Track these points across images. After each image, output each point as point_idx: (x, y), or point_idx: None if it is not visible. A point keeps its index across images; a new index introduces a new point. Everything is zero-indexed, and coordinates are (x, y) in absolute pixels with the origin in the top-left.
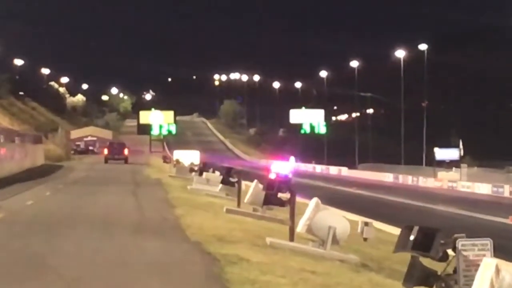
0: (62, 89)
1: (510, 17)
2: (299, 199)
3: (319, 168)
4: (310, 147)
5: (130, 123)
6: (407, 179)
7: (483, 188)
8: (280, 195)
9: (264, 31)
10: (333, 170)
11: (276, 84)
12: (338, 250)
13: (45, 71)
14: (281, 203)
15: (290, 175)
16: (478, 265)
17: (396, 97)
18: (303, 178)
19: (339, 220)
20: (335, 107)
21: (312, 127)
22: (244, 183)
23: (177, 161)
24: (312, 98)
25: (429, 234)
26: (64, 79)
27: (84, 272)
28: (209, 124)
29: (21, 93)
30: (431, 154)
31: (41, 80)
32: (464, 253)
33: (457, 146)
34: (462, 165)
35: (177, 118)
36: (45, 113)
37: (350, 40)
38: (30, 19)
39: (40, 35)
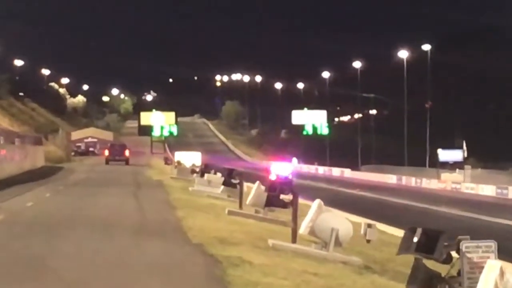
0: (62, 90)
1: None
2: (301, 200)
3: (321, 170)
4: (312, 148)
5: (131, 124)
6: (411, 180)
7: (487, 190)
8: (282, 196)
9: (265, 31)
10: (336, 171)
11: (278, 85)
12: (340, 252)
13: (45, 71)
14: (283, 205)
15: (290, 176)
16: (482, 267)
17: (399, 98)
18: (306, 179)
19: (342, 222)
20: (338, 108)
21: (314, 128)
22: (246, 184)
23: (179, 162)
24: (314, 99)
25: (432, 236)
26: (65, 80)
27: (84, 273)
28: (210, 125)
29: (21, 94)
30: (434, 156)
31: (41, 81)
32: (468, 255)
33: (460, 147)
34: (465, 166)
35: (179, 119)
36: (45, 114)
37: (351, 40)
38: (30, 19)
39: (40, 35)
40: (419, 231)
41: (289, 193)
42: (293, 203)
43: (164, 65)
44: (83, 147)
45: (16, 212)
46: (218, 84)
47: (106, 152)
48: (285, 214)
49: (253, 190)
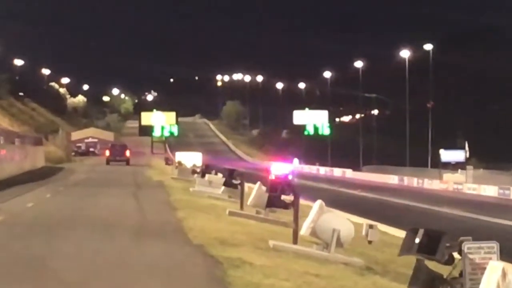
0: (62, 90)
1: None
2: (302, 201)
3: (323, 170)
4: (313, 148)
5: (132, 124)
6: (412, 181)
7: (489, 190)
8: (283, 197)
9: (266, 31)
10: (337, 172)
11: (279, 85)
12: (342, 253)
13: (46, 71)
14: (285, 206)
15: (290, 177)
16: (484, 268)
17: (400, 98)
18: (307, 180)
19: (343, 222)
20: (340, 108)
21: (315, 129)
22: (247, 185)
23: (179, 162)
24: (316, 99)
25: (434, 237)
26: (65, 80)
27: (85, 274)
28: (211, 126)
29: (21, 93)
30: (436, 156)
31: (41, 81)
32: (470, 256)
33: (463, 147)
34: (468, 167)
35: (179, 119)
36: (45, 114)
37: (352, 40)
38: (30, 19)
39: (41, 35)
40: (421, 232)
41: (290, 194)
42: (294, 204)
43: (164, 65)
44: (83, 147)
45: (17, 212)
46: (219, 84)
47: (107, 153)
48: (286, 215)
49: (254, 191)
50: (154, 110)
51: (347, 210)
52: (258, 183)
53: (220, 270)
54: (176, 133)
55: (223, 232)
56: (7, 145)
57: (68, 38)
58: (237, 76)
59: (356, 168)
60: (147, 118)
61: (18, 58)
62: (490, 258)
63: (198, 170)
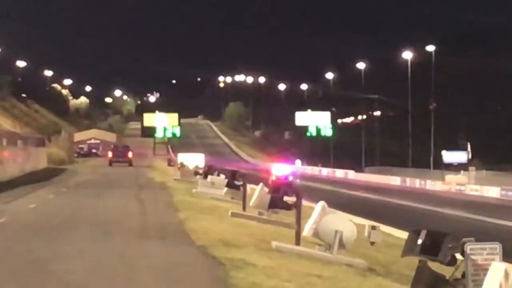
0: (65, 91)
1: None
2: (305, 202)
3: (325, 171)
4: (316, 149)
5: (134, 125)
6: (415, 182)
7: (491, 192)
8: (285, 198)
9: (269, 33)
10: (340, 173)
11: (282, 86)
12: (345, 254)
13: (48, 73)
14: (287, 207)
15: (291, 178)
16: (487, 270)
17: (403, 99)
18: (309, 181)
19: (346, 224)
20: (342, 109)
21: (318, 130)
22: (249, 186)
23: (182, 164)
24: (318, 100)
25: (437, 238)
26: (67, 81)
27: (87, 276)
28: (213, 127)
29: (23, 95)
30: (439, 157)
31: (44, 82)
32: (473, 257)
33: (465, 149)
34: (470, 168)
35: (182, 120)
36: (48, 115)
37: (354, 41)
38: (32, 20)
39: (43, 37)
40: (423, 233)
41: (293, 195)
42: (297, 205)
43: (167, 66)
44: (86, 149)
45: (19, 214)
46: (222, 85)
47: (109, 154)
48: (288, 216)
49: (256, 192)
50: (157, 111)
51: (350, 211)
52: (261, 184)
53: (222, 271)
54: (178, 135)
55: (226, 233)
56: (9, 146)
57: (70, 40)
58: (240, 78)
59: (358, 169)
60: (149, 119)
61: (21, 59)
62: (493, 259)
63: (201, 171)
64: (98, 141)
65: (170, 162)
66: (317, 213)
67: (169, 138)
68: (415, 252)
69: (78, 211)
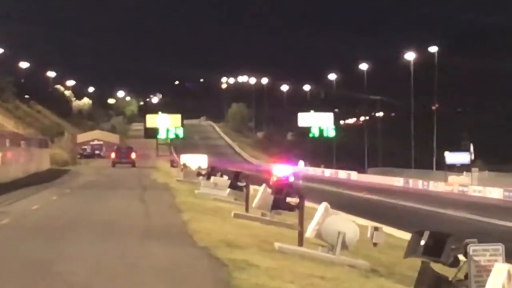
0: (68, 92)
1: None
2: (307, 203)
3: (328, 172)
4: (319, 150)
5: (137, 126)
6: (417, 183)
7: (494, 193)
8: (288, 199)
9: (271, 34)
10: (342, 174)
11: (285, 87)
12: (347, 255)
13: (51, 74)
14: (290, 208)
15: (291, 178)
16: (489, 271)
17: (405, 100)
18: (312, 182)
19: (349, 225)
20: (344, 110)
21: (321, 131)
22: (252, 187)
23: (185, 165)
24: (321, 101)
25: (440, 239)
26: (70, 82)
27: (90, 277)
28: (216, 128)
29: (26, 96)
30: (441, 158)
31: (47, 83)
32: (476, 258)
33: (468, 150)
34: (473, 169)
35: (184, 121)
36: (51, 116)
37: (357, 42)
38: (35, 22)
39: (46, 38)
40: (426, 234)
41: (296, 196)
42: (300, 206)
43: (170, 67)
44: (89, 150)
45: (22, 215)
46: (224, 86)
47: (113, 155)
48: (291, 217)
49: (259, 193)
50: (160, 112)
51: (352, 212)
52: (264, 185)
53: (225, 272)
54: (181, 136)
55: (229, 234)
56: (12, 147)
57: (71, 40)
58: (242, 79)
59: (361, 170)
60: (152, 120)
61: (24, 61)
62: (496, 260)
63: (204, 172)
64: (101, 142)
65: (173, 163)
66: (320, 214)
67: (172, 139)
68: (417, 253)
69: (82, 212)
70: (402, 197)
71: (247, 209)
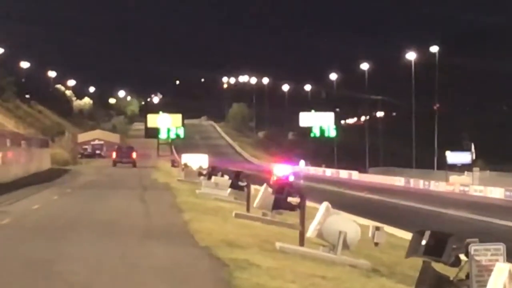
0: (68, 92)
1: None
2: (309, 203)
3: (329, 172)
4: (320, 150)
5: (138, 126)
6: (419, 183)
7: (495, 192)
8: (290, 199)
9: (272, 34)
10: (343, 174)
11: (285, 87)
12: (348, 255)
13: (52, 73)
14: (291, 208)
15: (291, 178)
16: (491, 270)
17: (406, 99)
18: (313, 182)
19: (350, 224)
20: (345, 110)
21: (322, 131)
22: (253, 187)
23: (185, 165)
24: (322, 101)
25: (441, 239)
26: (71, 82)
27: (91, 277)
28: (217, 128)
29: (27, 96)
30: (442, 158)
31: (47, 83)
32: (477, 258)
33: (469, 149)
34: (474, 169)
35: (185, 121)
36: (51, 116)
37: (358, 42)
38: (35, 21)
39: (46, 38)
40: (427, 234)
41: (297, 196)
42: (301, 206)
43: (170, 67)
44: (89, 150)
45: (23, 215)
46: (225, 86)
47: (114, 155)
48: (292, 217)
49: (260, 193)
50: (160, 112)
51: (354, 212)
52: (265, 185)
53: (226, 272)
54: (182, 135)
55: (230, 234)
56: (13, 147)
57: (73, 41)
58: (243, 78)
59: (362, 170)
60: (153, 120)
61: (24, 60)
62: (497, 260)
63: (204, 172)
64: (101, 142)
65: (174, 163)
66: (321, 214)
67: (173, 139)
68: (419, 253)
69: (82, 212)
70: (403, 197)
71: (248, 209)
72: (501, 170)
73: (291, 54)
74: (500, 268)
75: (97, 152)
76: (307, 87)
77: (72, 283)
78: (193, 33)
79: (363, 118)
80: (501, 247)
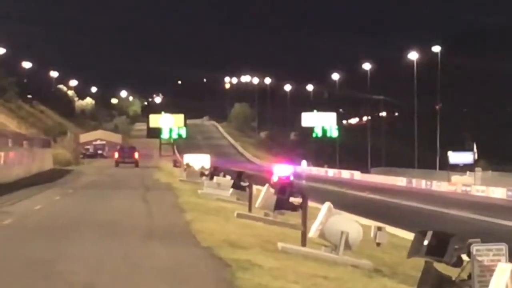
0: (70, 92)
1: None
2: (311, 203)
3: (331, 172)
4: (322, 150)
5: (140, 126)
6: (421, 183)
7: (497, 192)
8: (292, 199)
9: (274, 34)
10: (345, 174)
11: (288, 87)
12: (350, 255)
13: (54, 74)
14: (293, 208)
15: (292, 178)
16: (493, 270)
17: (408, 99)
18: (315, 182)
19: (352, 225)
20: (347, 110)
21: (324, 131)
22: (255, 187)
23: (188, 165)
24: (324, 101)
25: (443, 239)
26: (73, 82)
27: (92, 277)
28: (219, 128)
29: (29, 96)
30: (445, 158)
31: (50, 83)
32: (479, 258)
33: (471, 149)
34: (476, 169)
35: (187, 121)
36: (54, 116)
37: (360, 42)
38: (35, 21)
39: (46, 38)
40: (429, 234)
41: (299, 196)
42: (303, 206)
43: (170, 67)
44: (91, 150)
45: (25, 215)
46: (227, 86)
47: (116, 155)
48: (294, 217)
49: (262, 193)
50: (163, 112)
51: (356, 212)
52: (267, 185)
53: (228, 272)
54: (184, 135)
55: (232, 234)
56: (15, 147)
57: (73, 41)
58: (245, 78)
59: (364, 170)
60: (155, 120)
61: (26, 60)
62: (499, 260)
63: (207, 172)
64: (104, 142)
65: (176, 163)
66: (323, 214)
67: (175, 139)
68: (421, 253)
69: (84, 212)
70: (405, 197)
71: (250, 209)
72: (503, 170)
73: (291, 54)
74: (502, 268)
75: (99, 152)
76: (309, 87)
77: (73, 283)
78: (193, 33)
79: (365, 118)
80: (503, 247)
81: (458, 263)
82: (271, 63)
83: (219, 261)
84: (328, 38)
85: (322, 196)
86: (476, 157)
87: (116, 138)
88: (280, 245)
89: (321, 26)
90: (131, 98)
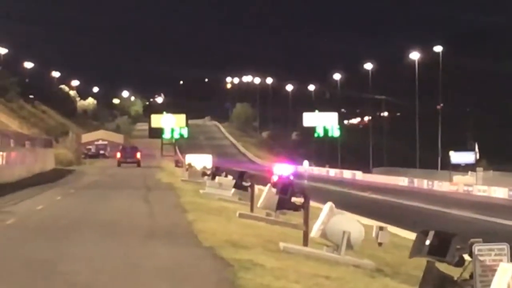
0: (72, 92)
1: None
2: (312, 203)
3: (333, 172)
4: (323, 150)
5: (142, 126)
6: (422, 183)
7: (499, 192)
8: (293, 199)
9: (276, 34)
10: (347, 174)
11: (289, 87)
12: (352, 255)
13: (55, 74)
14: (295, 208)
15: (292, 177)
16: (495, 270)
17: (410, 99)
18: (317, 182)
19: (354, 224)
20: (348, 110)
21: (325, 131)
22: (257, 187)
23: (189, 165)
24: (326, 101)
25: (445, 239)
26: (75, 82)
27: (93, 277)
28: (221, 128)
29: (31, 96)
30: (446, 158)
31: (51, 83)
32: (481, 258)
33: (472, 149)
34: (477, 168)
35: (189, 121)
36: (55, 116)
37: (361, 42)
38: (35, 21)
39: (46, 38)
40: (431, 233)
41: (301, 196)
42: (305, 206)
43: (170, 67)
44: (93, 150)
45: (27, 215)
46: (229, 86)
47: (118, 155)
48: (296, 217)
49: (264, 193)
50: (164, 112)
51: (357, 212)
52: (268, 185)
53: (230, 272)
54: (186, 135)
55: (234, 234)
56: (17, 147)
57: (73, 41)
58: (247, 78)
59: (366, 170)
60: (157, 120)
61: (28, 60)
62: (501, 260)
63: (208, 172)
64: (105, 142)
65: (178, 163)
66: (324, 214)
67: (176, 139)
68: (423, 253)
69: (86, 213)
70: (407, 197)
71: (252, 209)
72: (504, 170)
73: (291, 54)
74: (504, 268)
75: (101, 152)
76: (311, 87)
77: (74, 283)
78: (193, 33)
79: (366, 118)
80: (505, 247)
81: (460, 263)
82: (269, 63)
83: (221, 261)
84: (328, 38)
85: (324, 196)
86: (477, 157)
87: (118, 138)
88: (282, 245)
89: (322, 26)
90: (133, 98)
